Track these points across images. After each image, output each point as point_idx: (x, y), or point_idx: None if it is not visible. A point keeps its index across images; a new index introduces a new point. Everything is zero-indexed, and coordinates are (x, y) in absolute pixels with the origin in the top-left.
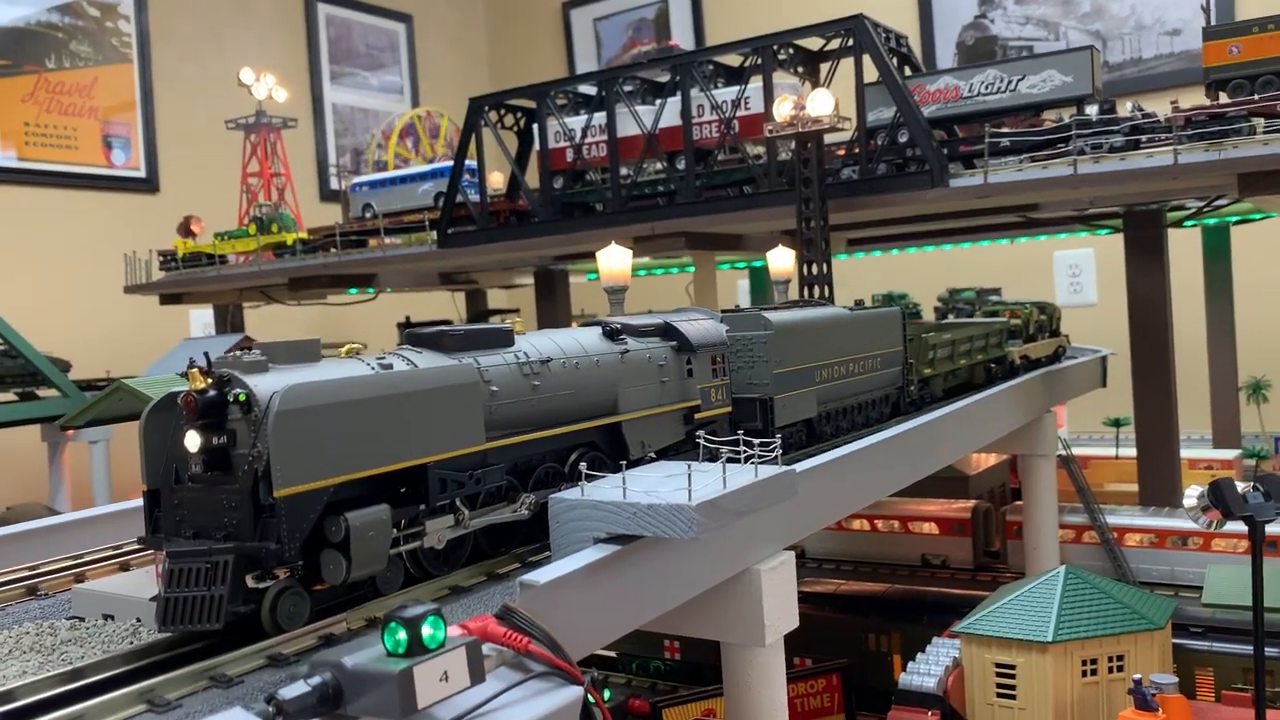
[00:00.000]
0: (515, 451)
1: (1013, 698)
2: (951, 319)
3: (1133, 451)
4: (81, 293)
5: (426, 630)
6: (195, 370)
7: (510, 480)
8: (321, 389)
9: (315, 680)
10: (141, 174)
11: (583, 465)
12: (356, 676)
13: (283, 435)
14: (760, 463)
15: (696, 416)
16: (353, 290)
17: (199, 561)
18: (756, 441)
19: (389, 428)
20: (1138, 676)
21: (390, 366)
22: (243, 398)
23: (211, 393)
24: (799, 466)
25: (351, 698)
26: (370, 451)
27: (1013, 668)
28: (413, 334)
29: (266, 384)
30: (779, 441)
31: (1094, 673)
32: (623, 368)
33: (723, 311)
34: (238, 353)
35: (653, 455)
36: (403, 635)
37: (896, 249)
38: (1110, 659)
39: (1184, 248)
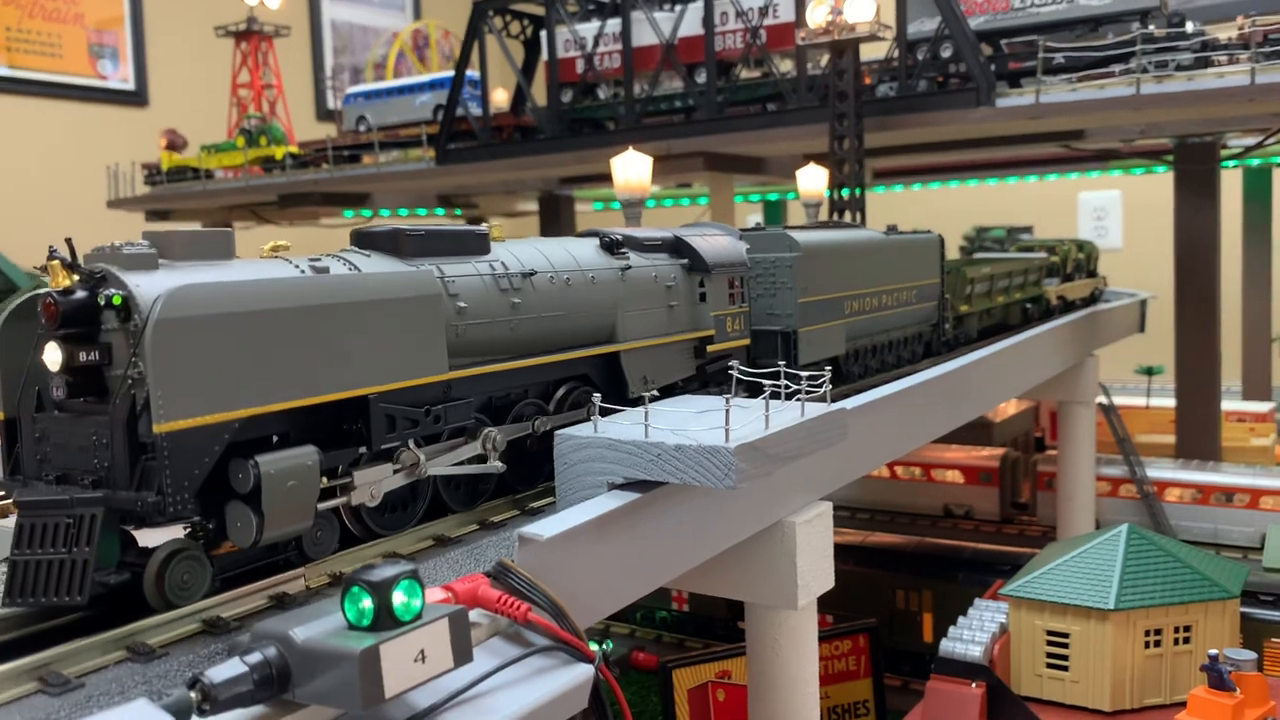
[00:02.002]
0: (487, 384)
1: (1065, 669)
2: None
3: (1162, 401)
4: (68, 207)
5: (399, 598)
6: (56, 263)
7: (480, 419)
8: (226, 293)
9: (254, 658)
10: (131, 86)
11: (596, 397)
12: (308, 655)
13: (167, 351)
14: (806, 399)
15: (709, 349)
16: (348, 213)
17: (58, 515)
18: (804, 375)
19: (318, 348)
20: (1213, 652)
21: (326, 270)
22: (118, 300)
23: (79, 294)
24: (847, 404)
25: (301, 681)
26: (292, 377)
27: (1066, 636)
28: (361, 233)
29: (153, 284)
30: (828, 374)
31: (1158, 644)
32: (623, 287)
33: (742, 230)
34: (119, 243)
35: (655, 393)
36: (368, 604)
37: (920, 184)
38: (1176, 629)
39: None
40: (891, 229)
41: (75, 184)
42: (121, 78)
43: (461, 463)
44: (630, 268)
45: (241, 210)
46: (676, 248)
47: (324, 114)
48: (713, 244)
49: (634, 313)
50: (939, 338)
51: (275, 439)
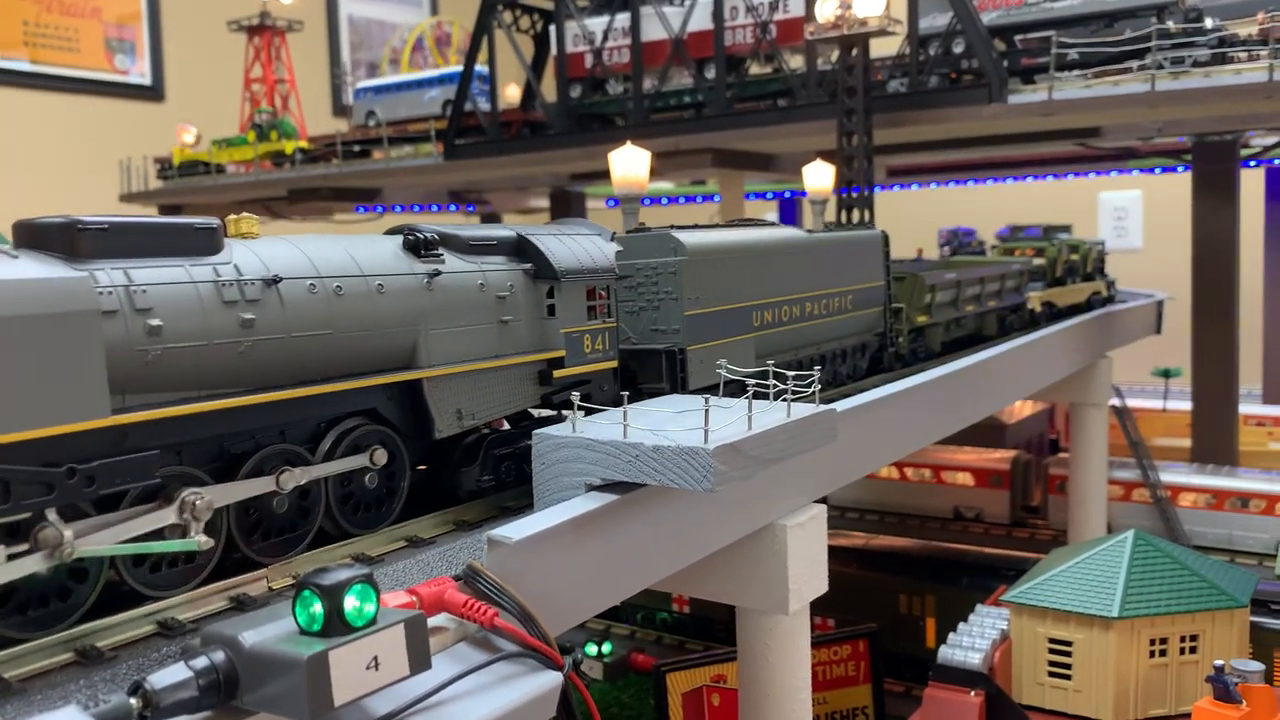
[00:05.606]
0: (202, 427)
1: (1067, 678)
2: None
3: (1180, 404)
4: (84, 201)
5: (351, 602)
6: None
7: (196, 475)
8: None
9: (200, 663)
10: (148, 81)
11: (574, 394)
12: (256, 660)
13: None
14: (793, 399)
15: (556, 374)
16: (360, 208)
17: None
18: (791, 374)
19: None
20: (1219, 663)
21: None
22: None
23: None
24: (839, 405)
25: (249, 688)
26: None
27: (1069, 644)
28: (26, 225)
29: None
30: (818, 374)
31: (1163, 654)
32: (429, 297)
33: (627, 232)
34: None
35: (486, 429)
36: (319, 608)
37: (936, 183)
38: (1183, 639)
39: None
40: (828, 226)
41: (92, 178)
42: (139, 72)
43: (146, 536)
44: (440, 273)
45: (253, 205)
46: (518, 249)
47: (340, 109)
48: (568, 246)
49: (445, 330)
50: (890, 349)
51: None
